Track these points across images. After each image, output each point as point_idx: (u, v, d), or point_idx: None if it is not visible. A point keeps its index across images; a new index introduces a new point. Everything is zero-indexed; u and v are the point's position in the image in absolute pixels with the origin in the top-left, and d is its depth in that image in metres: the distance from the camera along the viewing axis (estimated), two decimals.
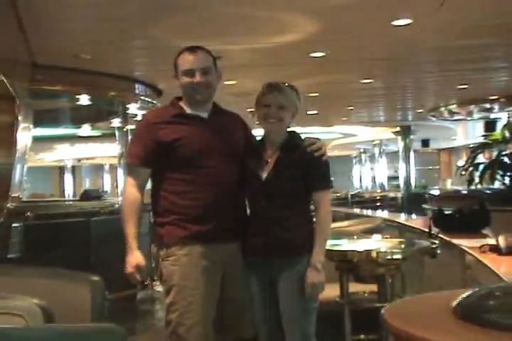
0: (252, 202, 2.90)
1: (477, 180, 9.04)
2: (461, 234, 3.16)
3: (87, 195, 10.52)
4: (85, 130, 12.88)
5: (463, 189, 10.89)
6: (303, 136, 2.96)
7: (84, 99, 6.93)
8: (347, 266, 3.09)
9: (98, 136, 13.83)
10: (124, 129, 9.33)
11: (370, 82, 7.82)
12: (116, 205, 9.41)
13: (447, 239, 3.16)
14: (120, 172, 11.06)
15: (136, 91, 7.81)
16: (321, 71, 6.94)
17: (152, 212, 2.93)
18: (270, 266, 2.78)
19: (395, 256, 2.97)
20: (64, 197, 21.23)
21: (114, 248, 6.44)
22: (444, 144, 22.83)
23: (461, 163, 17.14)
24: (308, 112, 10.94)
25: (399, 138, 17.01)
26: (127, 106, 8.06)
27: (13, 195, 5.21)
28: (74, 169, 26.24)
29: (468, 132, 17.05)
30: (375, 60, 6.44)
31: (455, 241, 3.06)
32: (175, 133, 2.81)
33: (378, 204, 15.73)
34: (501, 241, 2.62)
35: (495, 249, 2.62)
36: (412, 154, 17.27)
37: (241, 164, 2.92)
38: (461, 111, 12.06)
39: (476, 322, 1.36)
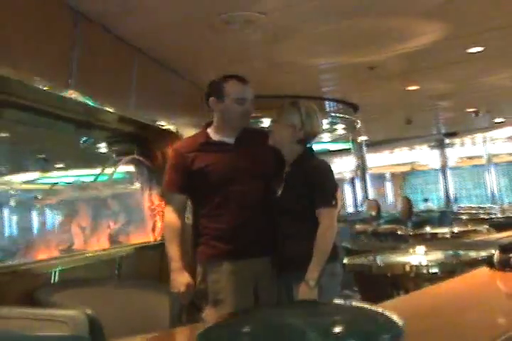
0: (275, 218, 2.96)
1: None
2: None
3: None
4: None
5: None
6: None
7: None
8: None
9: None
10: None
11: None
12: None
13: None
14: (357, 182, 12.39)
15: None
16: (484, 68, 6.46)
17: (192, 234, 3.16)
18: (287, 277, 2.87)
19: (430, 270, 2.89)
20: None
21: None
22: None
23: None
24: None
25: None
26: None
27: None
28: None
29: None
30: None
31: None
32: (202, 161, 2.99)
33: None
34: (495, 256, 2.44)
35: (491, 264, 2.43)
36: None
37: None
38: None
39: None
